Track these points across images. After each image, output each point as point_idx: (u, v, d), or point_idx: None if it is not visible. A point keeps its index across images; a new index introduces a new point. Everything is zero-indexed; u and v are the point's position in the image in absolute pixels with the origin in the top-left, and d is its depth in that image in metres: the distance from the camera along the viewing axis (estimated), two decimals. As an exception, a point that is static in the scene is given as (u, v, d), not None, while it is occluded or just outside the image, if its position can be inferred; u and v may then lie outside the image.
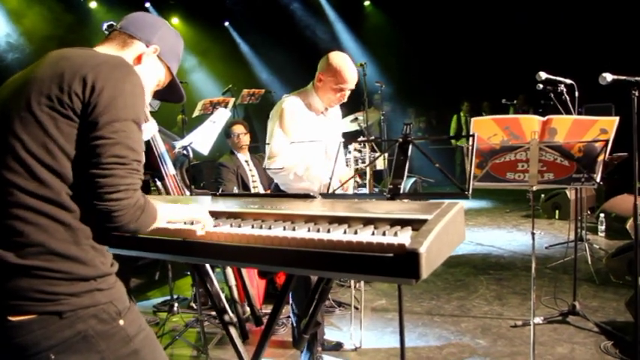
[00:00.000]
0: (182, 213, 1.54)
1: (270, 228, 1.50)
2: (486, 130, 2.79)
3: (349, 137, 4.86)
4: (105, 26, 3.08)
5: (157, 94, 1.68)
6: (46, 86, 1.29)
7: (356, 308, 3.71)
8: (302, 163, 2.78)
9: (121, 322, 1.33)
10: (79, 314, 1.26)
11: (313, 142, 2.75)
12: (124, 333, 1.33)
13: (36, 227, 1.25)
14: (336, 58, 2.83)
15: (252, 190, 4.40)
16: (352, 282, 3.84)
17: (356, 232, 1.37)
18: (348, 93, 2.88)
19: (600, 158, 2.70)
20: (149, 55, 1.53)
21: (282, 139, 2.79)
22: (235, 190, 4.13)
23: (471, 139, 1.91)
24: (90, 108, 1.26)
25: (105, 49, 1.49)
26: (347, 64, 2.81)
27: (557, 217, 6.97)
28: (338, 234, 1.37)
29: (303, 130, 2.82)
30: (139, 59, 1.51)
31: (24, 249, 1.24)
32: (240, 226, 1.55)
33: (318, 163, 2.84)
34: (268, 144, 2.86)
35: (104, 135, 1.26)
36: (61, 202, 1.27)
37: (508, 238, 6.29)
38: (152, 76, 1.56)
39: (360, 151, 4.11)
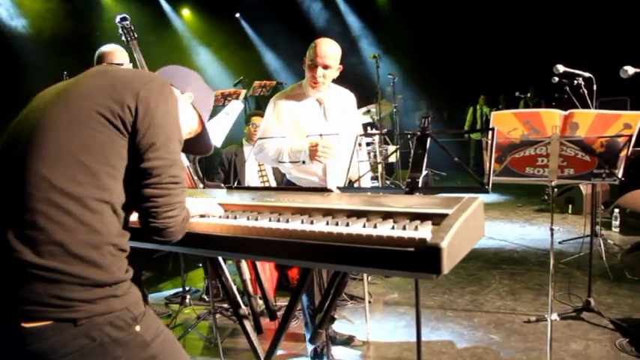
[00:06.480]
0: (197, 207, 1.62)
1: (287, 221, 1.48)
2: (506, 124, 2.74)
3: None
4: (118, 19, 3.05)
5: (185, 146, 1.69)
6: (96, 93, 1.31)
7: (369, 302, 3.70)
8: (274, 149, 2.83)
9: (137, 328, 1.30)
10: (94, 321, 1.23)
11: (328, 135, 2.72)
12: (140, 339, 1.30)
13: (58, 225, 1.21)
14: (317, 38, 2.83)
15: (262, 184, 4.38)
16: (365, 275, 3.82)
17: (375, 226, 1.34)
18: (325, 72, 2.77)
19: (623, 154, 2.64)
20: (184, 101, 1.57)
21: (268, 133, 2.86)
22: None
23: (490, 132, 1.88)
24: (144, 125, 1.30)
25: None
26: (322, 40, 2.79)
27: (570, 211, 6.90)
28: (357, 228, 1.35)
29: (290, 123, 2.84)
30: None
31: (43, 247, 1.20)
32: (257, 219, 1.53)
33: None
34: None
35: (161, 156, 1.31)
36: (89, 204, 1.24)
37: (521, 232, 6.23)
38: (186, 121, 1.58)
39: (368, 144, 4.07)
